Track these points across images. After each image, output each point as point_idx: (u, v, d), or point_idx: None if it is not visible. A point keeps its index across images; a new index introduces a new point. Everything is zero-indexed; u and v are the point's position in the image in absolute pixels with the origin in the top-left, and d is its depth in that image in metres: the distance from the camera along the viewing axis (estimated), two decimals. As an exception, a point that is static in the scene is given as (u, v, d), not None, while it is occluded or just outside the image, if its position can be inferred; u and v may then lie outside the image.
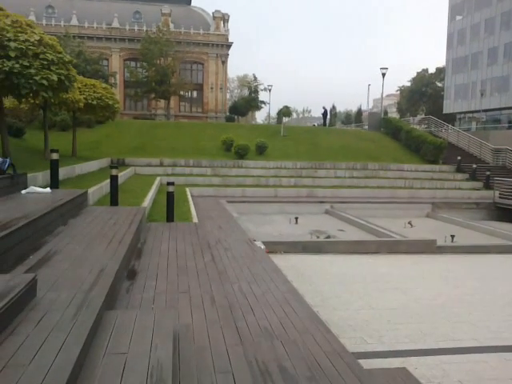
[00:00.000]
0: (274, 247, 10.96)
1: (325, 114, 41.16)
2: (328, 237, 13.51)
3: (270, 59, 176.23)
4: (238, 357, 3.85)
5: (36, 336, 2.91)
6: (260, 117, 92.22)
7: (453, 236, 13.94)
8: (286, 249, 11.41)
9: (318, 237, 13.54)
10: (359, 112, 62.56)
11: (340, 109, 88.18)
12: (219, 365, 3.70)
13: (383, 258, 11.21)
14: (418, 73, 66.93)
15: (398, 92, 72.12)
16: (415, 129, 33.47)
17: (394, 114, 70.49)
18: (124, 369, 2.92)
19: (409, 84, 67.21)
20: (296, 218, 16.46)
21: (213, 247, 9.03)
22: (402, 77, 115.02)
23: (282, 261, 9.42)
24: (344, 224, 16.44)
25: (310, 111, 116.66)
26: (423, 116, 53.26)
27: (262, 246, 10.04)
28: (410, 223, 16.55)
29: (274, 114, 62.45)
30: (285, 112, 32.35)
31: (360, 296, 7.84)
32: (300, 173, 24.10)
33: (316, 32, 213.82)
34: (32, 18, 41.48)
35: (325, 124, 41.66)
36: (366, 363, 4.79)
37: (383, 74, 36.92)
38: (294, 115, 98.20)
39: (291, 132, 30.76)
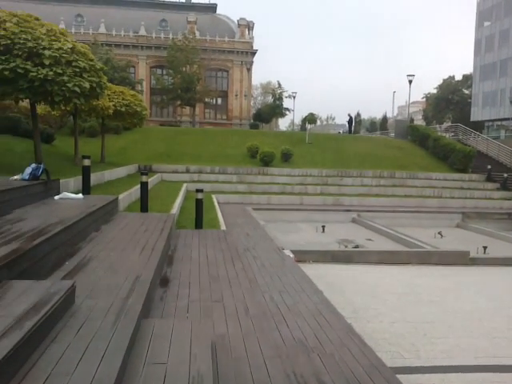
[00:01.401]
0: (302, 256, 10.83)
1: (350, 121, 40.85)
2: (356, 246, 13.30)
3: (294, 66, 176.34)
4: (276, 369, 3.76)
5: (77, 344, 2.89)
6: (283, 124, 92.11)
7: (485, 247, 13.54)
8: (315, 258, 11.27)
9: (346, 246, 13.34)
10: (384, 119, 61.91)
11: (364, 116, 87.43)
12: (258, 377, 3.61)
13: (415, 269, 10.95)
14: (444, 80, 65.88)
15: (424, 99, 71.11)
16: (443, 137, 32.88)
17: (419, 121, 69.51)
18: (165, 379, 2.86)
19: (435, 91, 66.19)
20: (323, 227, 16.28)
21: (242, 255, 8.96)
22: (427, 84, 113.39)
23: (312, 270, 9.26)
24: (372, 233, 16.18)
25: (333, 118, 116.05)
26: (450, 124, 52.30)
27: (291, 255, 9.93)
28: (440, 233, 16.17)
29: (297, 121, 62.38)
30: (310, 119, 32.20)
31: (393, 308, 7.65)
32: (326, 180, 23.90)
33: (341, 39, 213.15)
34: (62, 26, 42.51)
35: (350, 131, 41.33)
36: (404, 379, 4.63)
37: (410, 81, 36.47)
38: (318, 122, 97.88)
39: (316, 139, 30.58)
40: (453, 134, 37.85)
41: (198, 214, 9.97)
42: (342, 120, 73.77)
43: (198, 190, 10.38)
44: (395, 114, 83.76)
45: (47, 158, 13.53)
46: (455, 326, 6.89)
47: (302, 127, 48.24)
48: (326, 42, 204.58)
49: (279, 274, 7.97)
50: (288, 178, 23.79)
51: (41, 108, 16.05)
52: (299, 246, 12.50)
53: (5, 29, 9.13)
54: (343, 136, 39.37)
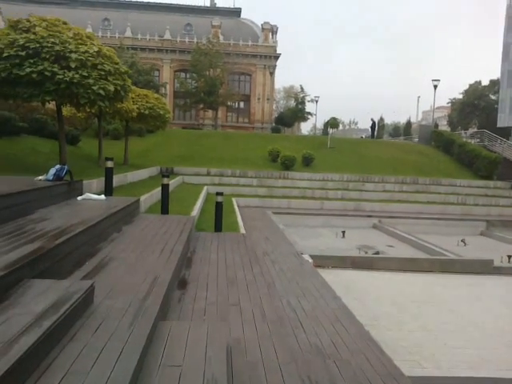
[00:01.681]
0: (321, 261, 10.76)
1: (373, 126, 40.49)
2: (377, 252, 13.14)
3: (317, 70, 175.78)
4: (291, 374, 3.74)
5: (94, 344, 2.93)
6: (305, 128, 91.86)
7: (509, 256, 13.22)
8: (334, 263, 11.18)
9: (366, 252, 13.20)
10: (408, 124, 61.08)
11: (388, 121, 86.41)
12: (273, 382, 3.61)
13: (437, 277, 10.75)
14: (470, 85, 64.61)
15: (449, 104, 69.88)
16: (469, 143, 32.26)
17: (444, 126, 68.32)
18: (179, 381, 2.88)
19: (460, 96, 64.98)
20: (343, 232, 16.15)
21: (261, 259, 8.96)
22: (453, 89, 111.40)
23: (331, 276, 9.20)
24: (393, 240, 15.97)
25: (356, 123, 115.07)
26: (475, 130, 51.28)
27: (310, 260, 9.88)
28: (463, 241, 15.86)
29: (319, 125, 62.12)
30: (332, 123, 32.04)
31: (413, 316, 7.53)
32: (347, 185, 23.72)
33: (366, 43, 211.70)
34: (89, 30, 43.40)
35: (373, 136, 40.95)
36: (422, 389, 4.56)
37: (435, 86, 35.95)
38: (341, 127, 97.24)
39: (338, 144, 30.40)
40: (478, 140, 37.11)
41: (218, 216, 10.01)
42: (365, 125, 73.03)
43: (217, 193, 10.42)
44: (419, 119, 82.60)
45: (72, 159, 13.80)
46: (477, 336, 6.74)
47: (324, 131, 47.97)
48: (351, 46, 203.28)
49: (297, 279, 7.95)
50: (309, 182, 23.70)
51: (66, 110, 16.38)
52: (318, 250, 12.41)
53: (34, 33, 9.38)
54: (365, 141, 39.10)
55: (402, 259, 11.79)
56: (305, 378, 3.84)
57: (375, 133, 42.09)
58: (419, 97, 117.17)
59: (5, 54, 8.93)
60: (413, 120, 66.13)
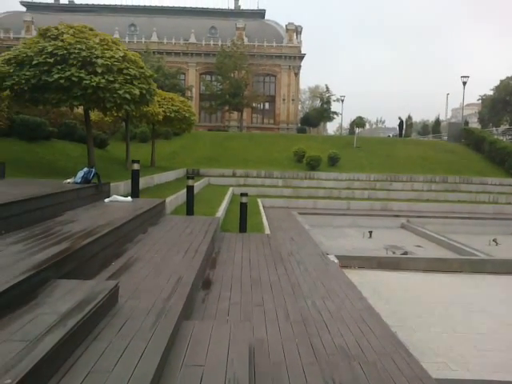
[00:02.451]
0: (347, 262, 10.63)
1: (401, 124, 39.85)
2: (405, 253, 12.90)
3: (342, 69, 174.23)
4: (314, 376, 3.71)
5: (118, 343, 2.97)
6: (331, 128, 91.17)
7: (545, 256, 12.76)
8: (360, 264, 11.03)
9: (393, 252, 12.98)
10: (437, 122, 59.85)
11: (416, 119, 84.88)
12: (296, 383, 3.58)
13: (467, 278, 10.48)
14: (501, 81, 62.76)
15: (480, 101, 68.09)
16: (500, 140, 31.35)
17: (474, 124, 66.59)
18: (201, 381, 2.89)
19: (491, 93, 63.23)
20: (370, 232, 15.93)
21: (285, 259, 8.93)
22: (483, 85, 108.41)
23: (357, 276, 9.08)
24: (421, 240, 15.65)
25: (383, 122, 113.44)
26: (507, 126, 49.82)
27: (336, 260, 9.78)
28: (494, 241, 15.40)
29: (346, 124, 61.60)
30: (358, 122, 31.71)
31: (442, 318, 7.35)
32: (374, 185, 23.41)
33: (392, 40, 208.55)
34: (116, 36, 44.23)
35: (401, 135, 40.30)
36: (451, 392, 4.44)
37: (464, 83, 35.15)
38: (367, 126, 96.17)
39: (364, 143, 30.05)
40: (510, 137, 36.05)
41: (243, 217, 10.03)
42: (393, 123, 71.96)
43: (242, 194, 10.45)
44: (449, 117, 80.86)
45: (100, 162, 14.09)
46: (509, 339, 6.53)
47: (351, 131, 47.51)
48: (379, 43, 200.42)
49: (323, 280, 7.88)
50: (335, 182, 23.51)
51: (94, 114, 16.76)
52: (345, 251, 12.28)
53: (62, 40, 9.64)
54: (393, 139, 38.48)
55: (430, 259, 11.54)
56: (329, 380, 3.80)
57: (403, 131, 41.41)
58: (448, 94, 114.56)
59: (34, 62, 9.21)
60: (442, 118, 64.75)
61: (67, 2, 59.35)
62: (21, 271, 3.38)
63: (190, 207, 9.95)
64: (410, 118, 63.45)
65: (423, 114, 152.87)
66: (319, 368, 3.88)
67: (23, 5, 56.65)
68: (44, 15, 46.61)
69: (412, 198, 22.00)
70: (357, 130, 34.87)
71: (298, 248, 10.88)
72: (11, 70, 9.30)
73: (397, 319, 7.02)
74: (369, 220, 18.25)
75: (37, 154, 13.57)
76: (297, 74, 53.25)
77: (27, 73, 9.18)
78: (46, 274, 3.63)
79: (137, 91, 10.06)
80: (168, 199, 10.30)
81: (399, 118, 40.03)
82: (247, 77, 44.35)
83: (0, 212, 4.85)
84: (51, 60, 9.19)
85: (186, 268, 5.12)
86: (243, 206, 10.07)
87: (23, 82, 9.19)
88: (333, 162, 25.65)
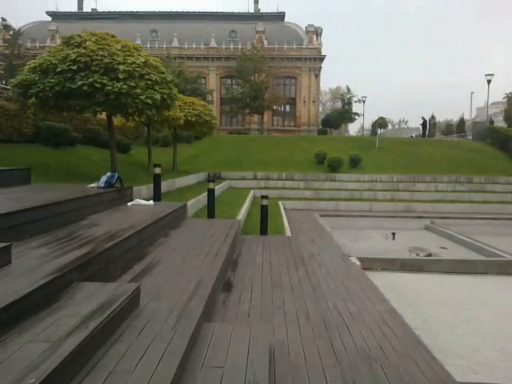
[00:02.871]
0: (369, 264, 10.53)
1: (424, 124, 39.30)
2: (429, 254, 12.68)
3: (364, 70, 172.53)
4: (335, 378, 3.69)
5: (139, 344, 3.02)
6: (353, 129, 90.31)
7: None
8: (382, 266, 10.92)
9: (417, 254, 12.78)
10: (461, 121, 58.73)
11: (440, 119, 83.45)
12: (316, 385, 3.57)
13: (493, 280, 10.25)
14: (529, 77, 61.20)
15: (505, 99, 66.50)
16: (527, 138, 30.55)
17: (500, 123, 65.03)
18: (221, 382, 2.92)
19: (518, 90, 61.67)
20: (393, 234, 15.74)
21: (306, 262, 8.90)
22: (509, 83, 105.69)
23: (379, 278, 8.98)
24: (446, 241, 15.37)
25: (406, 122, 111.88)
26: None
27: (358, 262, 9.70)
28: (522, 241, 15.01)
29: (368, 125, 61.00)
30: (380, 123, 31.40)
31: (467, 320, 7.21)
32: (397, 186, 23.13)
33: (412, 40, 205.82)
34: (138, 42, 44.97)
35: (424, 135, 39.70)
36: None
37: (488, 81, 34.39)
38: (390, 126, 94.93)
39: (387, 143, 29.73)
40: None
41: (263, 220, 10.05)
42: (416, 123, 70.88)
43: (262, 197, 10.47)
44: (473, 116, 79.18)
45: (123, 166, 14.31)
46: (538, 342, 6.36)
47: (373, 132, 47.04)
48: (400, 43, 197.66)
49: (344, 282, 7.82)
50: (356, 183, 23.32)
51: (117, 120, 17.03)
52: (367, 253, 12.15)
53: (85, 47, 9.85)
54: (416, 140, 37.98)
55: (454, 261, 11.32)
56: (349, 382, 3.78)
57: (426, 131, 40.82)
58: (472, 93, 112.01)
59: (58, 69, 9.44)
60: (466, 117, 63.40)
61: (90, 10, 60.61)
62: (44, 274, 3.46)
63: (210, 210, 10.02)
64: (433, 117, 62.43)
65: (447, 114, 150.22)
66: (340, 370, 3.85)
67: (48, 14, 58.20)
68: (68, 24, 47.68)
69: (436, 199, 21.66)
70: (379, 131, 34.49)
71: (320, 250, 10.84)
72: (36, 78, 9.56)
73: (420, 321, 6.93)
74: (392, 222, 18.02)
75: (62, 159, 13.87)
76: (317, 76, 53.05)
77: (51, 80, 9.41)
78: (70, 277, 3.71)
79: (158, 96, 10.20)
80: (189, 202, 10.39)
81: (422, 118, 39.50)
82: (267, 79, 44.45)
83: (25, 216, 4.98)
84: (74, 67, 9.41)
85: (206, 270, 5.16)
86: (264, 209, 10.08)
87: (48, 89, 9.43)
88: (354, 164, 25.45)
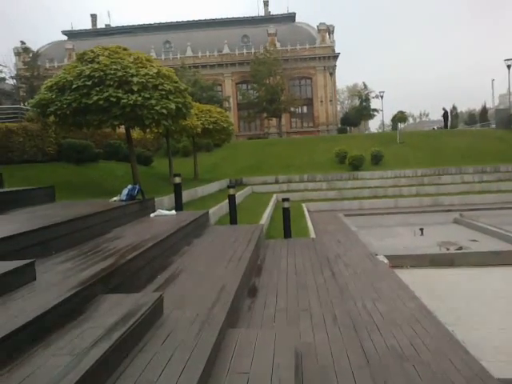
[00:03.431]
0: (398, 261, 10.33)
1: (445, 115, 38.54)
2: (460, 248, 12.32)
3: (381, 64, 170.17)
4: (364, 379, 3.58)
5: (162, 354, 3.00)
6: (374, 125, 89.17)
7: None
8: (412, 263, 10.68)
9: (447, 249, 12.45)
10: (484, 110, 57.40)
11: (462, 109, 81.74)
12: (345, 388, 3.48)
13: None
14: (552, 60, 59.48)
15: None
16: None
17: (525, 108, 63.27)
18: (247, 389, 2.87)
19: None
20: (421, 230, 15.41)
21: (332, 262, 8.80)
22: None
23: (409, 276, 8.79)
24: (477, 234, 14.95)
25: (427, 115, 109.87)
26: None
27: (385, 261, 9.55)
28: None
29: (388, 121, 60.22)
30: (400, 117, 30.94)
31: (503, 313, 6.96)
32: (422, 180, 22.73)
33: (429, 30, 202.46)
34: (152, 54, 45.64)
35: (446, 126, 38.94)
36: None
37: (508, 66, 33.57)
38: (411, 120, 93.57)
39: (408, 138, 29.27)
40: None
41: (286, 223, 9.96)
42: (437, 116, 69.56)
43: (284, 200, 10.39)
44: (496, 104, 77.28)
45: (145, 178, 14.46)
46: None
47: (394, 127, 46.38)
48: (416, 35, 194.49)
49: (372, 281, 7.70)
50: (380, 180, 23.01)
51: (136, 132, 17.24)
52: (395, 250, 11.93)
53: (98, 62, 10.01)
54: (438, 132, 37.26)
55: (486, 253, 10.98)
56: (381, 383, 3.68)
57: (448, 122, 40.04)
58: (493, 80, 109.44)
59: (74, 86, 9.61)
60: (489, 105, 61.90)
61: (104, 27, 61.88)
62: (69, 288, 3.49)
63: (232, 216, 10.00)
64: (454, 108, 61.27)
65: (469, 103, 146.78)
66: (369, 371, 3.75)
67: (64, 34, 59.80)
68: (83, 41, 48.70)
69: (463, 191, 21.17)
70: (400, 125, 33.99)
71: (345, 250, 10.71)
72: (53, 96, 9.76)
73: (453, 318, 6.72)
74: (419, 217, 17.67)
75: (85, 175, 14.11)
76: (332, 74, 52.74)
77: (68, 97, 9.59)
78: (93, 290, 3.72)
79: (173, 105, 10.27)
80: (211, 210, 10.39)
81: (443, 109, 38.78)
82: (282, 82, 44.42)
83: (49, 233, 5.05)
84: (89, 82, 9.56)
85: (229, 276, 5.13)
86: (286, 211, 10.00)
87: (65, 106, 9.61)
88: (376, 160, 25.13)
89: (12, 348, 2.59)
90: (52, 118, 10.33)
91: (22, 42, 41.36)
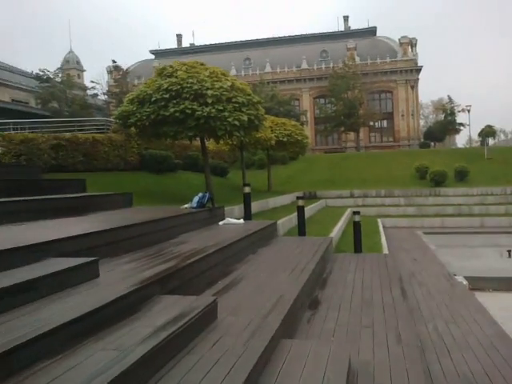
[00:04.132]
0: (479, 284, 9.56)
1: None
2: (552, 272, 11.16)
3: (470, 76, 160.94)
4: (427, 406, 3.29)
5: (209, 357, 2.96)
6: (461, 141, 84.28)
7: None
8: (495, 286, 9.84)
9: (537, 272, 11.31)
10: None
11: None
12: (403, 412, 3.21)
13: None
14: None
15: None
16: None
17: None
18: (293, 402, 2.73)
19: None
20: (509, 252, 14.18)
21: (404, 281, 8.34)
22: None
23: (490, 300, 8.09)
24: None
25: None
26: None
27: (465, 282, 8.89)
28: None
29: (476, 136, 56.78)
30: (487, 132, 29.10)
31: None
32: (511, 199, 21.01)
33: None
34: (233, 70, 47.05)
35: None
36: None
37: None
38: (502, 136, 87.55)
39: (498, 154, 27.33)
40: None
41: (356, 236, 9.63)
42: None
43: (354, 213, 10.07)
44: None
45: (219, 189, 14.77)
46: None
47: (483, 143, 43.61)
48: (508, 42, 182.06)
49: (447, 302, 7.20)
50: (464, 198, 21.60)
51: (212, 144, 17.71)
52: (476, 272, 11.05)
53: (176, 77, 10.44)
54: (532, 148, 34.44)
55: None
56: (446, 411, 3.35)
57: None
58: None
59: (153, 99, 10.10)
60: None
61: (188, 45, 64.99)
62: (127, 286, 3.58)
63: (301, 228, 9.85)
64: (553, 122, 56.17)
65: None
66: (434, 397, 3.44)
67: (152, 53, 63.74)
68: (169, 59, 51.06)
69: (559, 211, 19.27)
70: (489, 141, 31.89)
71: (421, 269, 10.13)
72: (134, 109, 10.31)
73: (540, 348, 6.03)
74: (508, 238, 16.29)
75: (163, 184, 14.71)
76: (414, 88, 50.91)
77: (147, 109, 10.09)
78: (151, 290, 3.79)
79: (245, 117, 10.41)
80: (280, 221, 10.33)
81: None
82: (361, 96, 43.62)
83: (119, 234, 5.27)
84: (167, 95, 9.99)
85: (289, 286, 5.01)
86: (356, 225, 9.67)
87: (144, 118, 10.11)
88: (461, 177, 23.69)
89: (65, 338, 2.69)
90: (133, 129, 10.90)
91: (114, 61, 44.57)
